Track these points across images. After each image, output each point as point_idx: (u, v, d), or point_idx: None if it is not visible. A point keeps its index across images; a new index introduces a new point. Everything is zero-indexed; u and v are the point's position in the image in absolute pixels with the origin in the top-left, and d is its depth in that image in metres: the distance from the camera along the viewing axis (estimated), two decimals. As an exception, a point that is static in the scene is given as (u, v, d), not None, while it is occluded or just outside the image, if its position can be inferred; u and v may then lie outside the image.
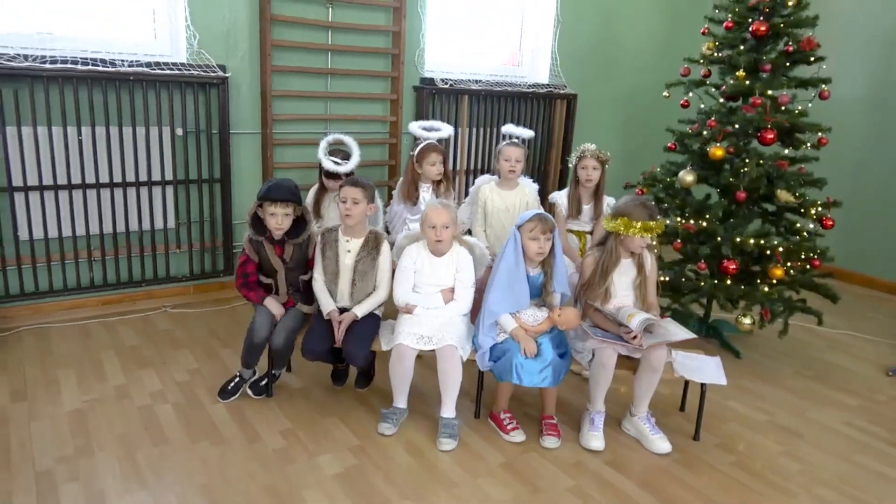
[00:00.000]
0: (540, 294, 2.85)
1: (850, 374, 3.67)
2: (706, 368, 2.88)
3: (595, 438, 2.75)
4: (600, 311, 2.79)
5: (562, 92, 5.36)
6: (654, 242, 2.87)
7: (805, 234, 3.56)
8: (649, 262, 2.89)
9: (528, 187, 3.56)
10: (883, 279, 5.22)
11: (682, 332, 2.70)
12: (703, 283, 3.49)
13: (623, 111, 5.58)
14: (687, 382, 3.02)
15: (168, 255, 4.05)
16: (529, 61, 5.46)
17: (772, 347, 3.96)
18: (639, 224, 2.74)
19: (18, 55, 3.39)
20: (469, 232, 3.53)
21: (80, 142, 3.60)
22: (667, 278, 3.68)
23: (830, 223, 3.54)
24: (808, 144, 3.55)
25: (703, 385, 2.84)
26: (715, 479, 2.60)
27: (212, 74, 3.87)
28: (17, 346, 3.39)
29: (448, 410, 2.78)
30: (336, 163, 3.37)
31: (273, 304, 2.94)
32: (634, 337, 2.64)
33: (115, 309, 3.91)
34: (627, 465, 2.66)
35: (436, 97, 4.71)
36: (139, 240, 3.93)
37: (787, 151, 3.54)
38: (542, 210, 2.93)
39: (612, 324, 2.75)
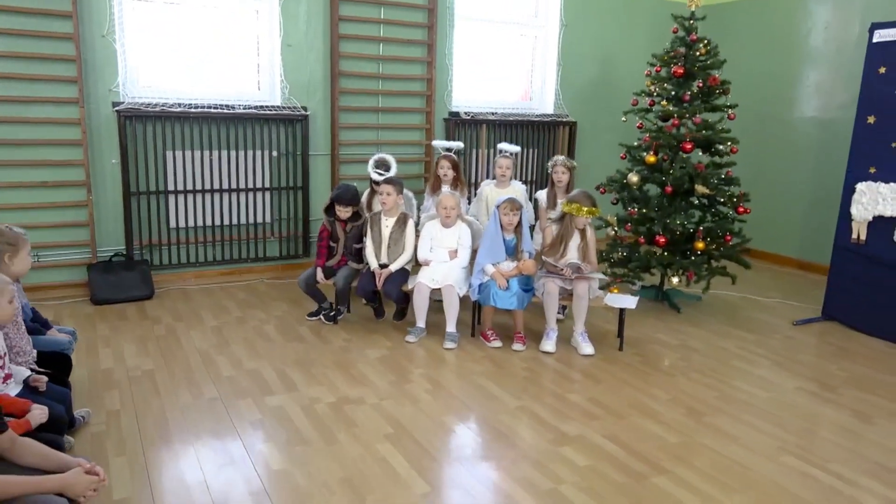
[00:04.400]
0: (513, 253, 4.36)
1: (761, 323, 4.98)
2: (625, 301, 4.31)
3: (547, 345, 4.22)
4: (550, 262, 4.26)
5: (564, 120, 6.88)
6: (590, 222, 4.33)
7: (720, 217, 4.93)
8: (589, 233, 4.37)
9: (518, 187, 5.08)
10: (785, 255, 6.62)
11: (625, 301, 4.18)
12: (639, 254, 4.91)
13: (616, 133, 7.03)
14: (621, 321, 4.42)
15: (265, 242, 5.76)
16: (538, 95, 7.02)
17: (711, 309, 5.29)
18: (584, 209, 4.23)
19: (176, 103, 5.20)
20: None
21: (212, 161, 5.37)
22: (624, 253, 5.12)
23: (742, 209, 4.91)
24: (723, 152, 4.95)
25: (621, 310, 4.27)
26: (622, 367, 4.02)
27: (297, 113, 5.60)
28: (168, 297, 5.13)
29: (450, 326, 4.31)
30: (380, 174, 4.97)
31: (318, 272, 4.56)
32: (562, 270, 4.11)
33: (228, 279, 5.64)
34: (565, 359, 4.12)
35: (460, 126, 6.33)
36: (246, 231, 5.66)
37: (702, 156, 4.96)
38: (528, 202, 4.45)
39: (555, 268, 4.23)
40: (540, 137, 6.80)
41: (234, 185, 5.54)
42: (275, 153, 5.66)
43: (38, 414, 2.35)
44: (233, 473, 2.77)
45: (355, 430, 3.16)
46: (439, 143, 5.28)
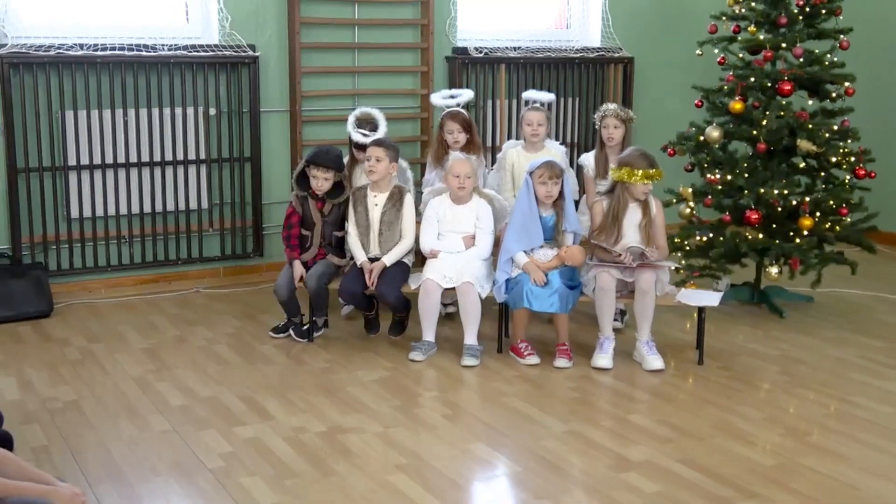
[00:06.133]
0: (553, 236, 5.08)
1: (892, 328, 5.71)
2: (705, 297, 5.03)
3: (602, 358, 4.93)
4: (603, 246, 4.98)
5: (616, 56, 7.64)
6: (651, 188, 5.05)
7: (834, 184, 5.67)
8: (654, 207, 5.09)
9: (555, 149, 5.80)
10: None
11: (705, 298, 4.91)
12: (724, 238, 5.63)
13: (688, 73, 7.76)
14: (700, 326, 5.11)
15: (201, 237, 6.46)
16: (579, 22, 7.77)
17: (826, 312, 6.01)
18: (640, 172, 4.96)
19: (76, 44, 5.91)
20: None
21: (126, 123, 6.08)
22: (704, 238, 5.85)
23: (862, 172, 5.66)
24: (835, 94, 5.70)
25: (700, 310, 4.99)
26: (702, 384, 4.74)
27: (242, 54, 6.32)
28: (73, 313, 5.82)
29: (470, 338, 5.02)
30: (364, 134, 5.66)
31: (297, 267, 5.25)
32: (620, 255, 4.82)
33: (152, 289, 6.33)
34: (626, 377, 4.82)
35: (469, 67, 7.06)
36: (175, 220, 6.36)
37: (810, 103, 5.71)
38: (570, 170, 5.16)
39: (609, 255, 4.94)
40: (582, 81, 7.55)
41: (156, 157, 6.24)
42: (212, 111, 6.37)
43: None
44: (212, 510, 3.45)
45: (357, 461, 3.84)
46: (440, 97, 5.98)
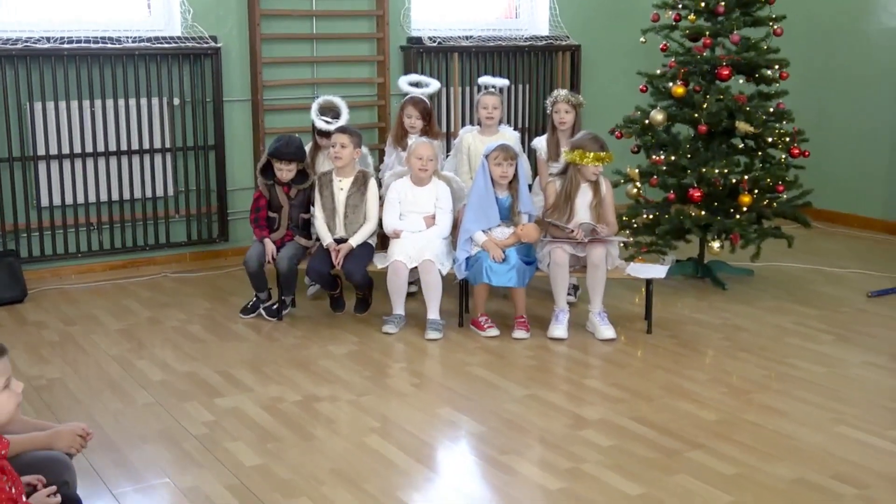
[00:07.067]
0: (509, 216, 5.38)
1: (828, 297, 6.11)
2: (652, 270, 5.37)
3: (557, 329, 5.24)
4: (555, 224, 5.29)
5: (564, 44, 7.96)
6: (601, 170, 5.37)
7: (771, 163, 6.05)
8: (604, 187, 5.42)
9: (509, 133, 6.10)
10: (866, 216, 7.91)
11: (652, 271, 5.25)
12: (669, 215, 5.99)
13: (634, 60, 8.10)
14: (648, 297, 5.45)
15: (168, 223, 6.67)
16: (527, 11, 8.07)
17: (766, 284, 6.40)
18: (591, 154, 5.28)
19: (42, 37, 6.08)
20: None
21: (93, 113, 6.27)
22: (650, 216, 6.20)
23: (797, 152, 6.04)
24: (770, 79, 6.07)
25: (648, 283, 5.33)
26: (651, 351, 5.08)
27: (205, 45, 6.53)
28: (46, 299, 6.00)
29: (433, 313, 5.31)
30: (327, 121, 5.92)
31: (268, 244, 5.49)
32: (572, 232, 5.14)
33: (121, 274, 6.53)
34: (580, 345, 5.15)
35: (424, 56, 7.33)
36: (142, 207, 6.56)
37: (744, 85, 6.08)
38: (524, 155, 5.46)
39: (562, 232, 5.26)
40: (532, 68, 7.86)
41: (122, 146, 6.44)
42: (175, 101, 6.57)
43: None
44: (201, 472, 3.68)
45: (334, 426, 4.13)
46: (406, 82, 6.26)
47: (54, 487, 2.65)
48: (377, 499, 3.48)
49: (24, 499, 2.41)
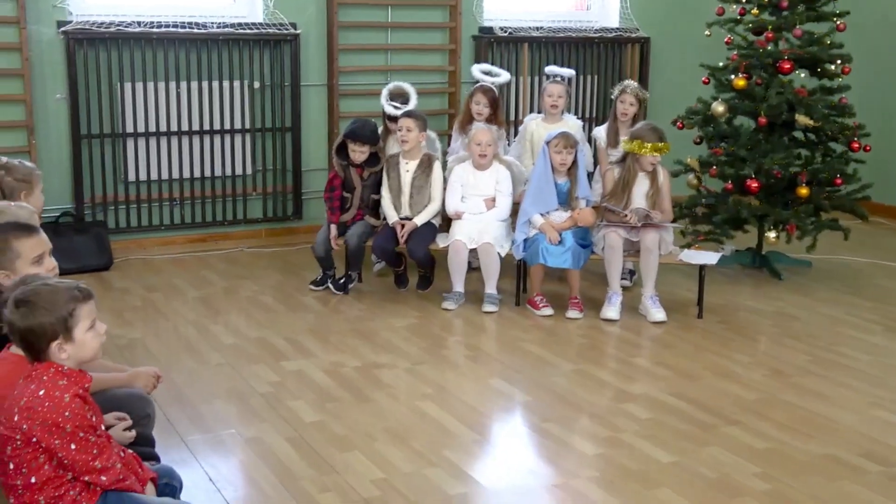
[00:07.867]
0: (567, 201, 5.59)
1: (885, 290, 6.19)
2: (705, 257, 5.53)
3: (610, 310, 5.44)
4: (610, 208, 5.48)
5: (633, 36, 8.10)
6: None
7: (830, 157, 6.14)
8: (661, 176, 5.59)
9: (573, 122, 6.30)
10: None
11: (705, 257, 5.43)
12: (727, 205, 6.12)
13: (702, 53, 8.21)
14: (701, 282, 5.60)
15: (245, 200, 7.03)
16: (598, 3, 8.24)
17: (823, 276, 6.48)
18: (649, 145, 5.46)
19: (134, 22, 6.47)
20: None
21: (179, 94, 6.65)
22: (708, 206, 6.34)
23: (857, 146, 6.12)
24: (832, 73, 6.16)
25: (701, 268, 5.50)
26: (699, 334, 5.25)
27: (285, 32, 6.85)
28: (131, 268, 6.40)
29: (490, 288, 5.56)
30: (396, 107, 6.19)
31: (333, 230, 5.78)
32: (626, 215, 5.33)
33: (200, 247, 6.90)
34: (631, 327, 5.34)
35: (494, 46, 7.56)
36: (221, 184, 6.93)
37: (805, 79, 6.17)
38: (586, 143, 5.66)
39: (617, 216, 5.44)
40: (601, 60, 8.03)
41: (205, 126, 6.81)
42: (256, 84, 6.92)
43: None
44: (263, 426, 4.00)
45: (390, 391, 4.40)
46: (478, 70, 6.49)
47: (130, 422, 2.96)
48: (425, 456, 3.74)
49: (103, 429, 2.71)
